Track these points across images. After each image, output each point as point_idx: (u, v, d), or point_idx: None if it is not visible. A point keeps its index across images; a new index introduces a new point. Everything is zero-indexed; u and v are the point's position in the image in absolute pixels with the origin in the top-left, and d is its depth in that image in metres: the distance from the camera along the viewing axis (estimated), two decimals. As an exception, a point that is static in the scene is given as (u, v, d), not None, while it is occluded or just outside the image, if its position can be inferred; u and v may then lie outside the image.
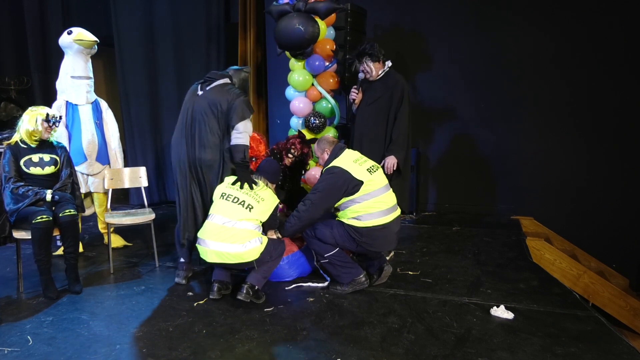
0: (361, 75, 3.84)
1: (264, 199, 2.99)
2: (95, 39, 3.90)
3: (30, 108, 3.25)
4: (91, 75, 4.02)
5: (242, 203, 2.91)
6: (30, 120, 3.18)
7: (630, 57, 4.66)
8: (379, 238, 3.01)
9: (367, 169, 3.03)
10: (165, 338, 2.50)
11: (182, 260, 3.33)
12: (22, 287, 3.19)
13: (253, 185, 3.03)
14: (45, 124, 3.19)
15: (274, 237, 3.10)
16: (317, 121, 4.13)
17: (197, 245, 2.99)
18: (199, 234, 2.97)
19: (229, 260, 2.86)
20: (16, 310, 2.89)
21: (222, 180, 3.17)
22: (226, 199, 2.95)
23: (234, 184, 3.02)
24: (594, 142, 4.85)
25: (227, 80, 3.27)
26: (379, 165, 3.17)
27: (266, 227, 3.05)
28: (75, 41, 3.81)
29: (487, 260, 3.79)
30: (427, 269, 3.57)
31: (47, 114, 3.19)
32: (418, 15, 5.35)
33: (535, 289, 3.18)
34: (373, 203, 2.97)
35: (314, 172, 4.19)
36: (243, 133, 3.12)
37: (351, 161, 3.04)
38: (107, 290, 3.22)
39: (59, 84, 3.94)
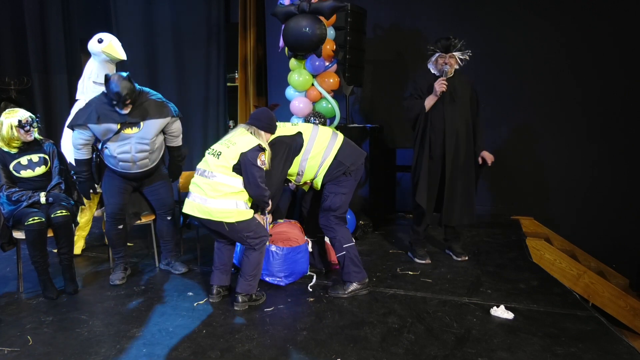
0: (433, 69, 3.68)
1: (236, 143, 2.80)
2: (124, 57, 3.85)
3: (4, 113, 3.04)
4: None
5: (215, 152, 2.85)
6: (3, 129, 3.01)
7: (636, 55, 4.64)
8: (351, 155, 3.12)
9: (292, 124, 3.18)
10: (165, 338, 2.50)
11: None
12: (22, 287, 3.19)
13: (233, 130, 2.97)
14: (21, 130, 3.03)
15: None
16: (317, 121, 4.12)
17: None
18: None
19: (199, 212, 2.79)
20: (16, 310, 2.89)
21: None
22: (208, 154, 2.92)
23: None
24: (594, 141, 4.84)
25: None
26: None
27: (246, 184, 2.81)
28: (104, 52, 3.81)
29: (487, 260, 3.79)
30: (427, 269, 3.57)
31: (20, 121, 3.00)
32: (418, 15, 5.33)
33: (535, 289, 3.18)
34: (317, 144, 3.07)
35: None
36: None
37: (278, 129, 3.09)
38: (107, 290, 3.21)
39: (81, 84, 3.94)
